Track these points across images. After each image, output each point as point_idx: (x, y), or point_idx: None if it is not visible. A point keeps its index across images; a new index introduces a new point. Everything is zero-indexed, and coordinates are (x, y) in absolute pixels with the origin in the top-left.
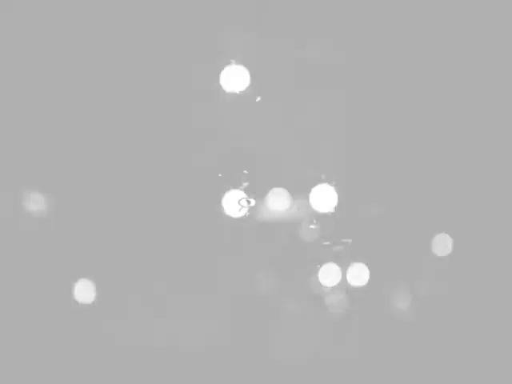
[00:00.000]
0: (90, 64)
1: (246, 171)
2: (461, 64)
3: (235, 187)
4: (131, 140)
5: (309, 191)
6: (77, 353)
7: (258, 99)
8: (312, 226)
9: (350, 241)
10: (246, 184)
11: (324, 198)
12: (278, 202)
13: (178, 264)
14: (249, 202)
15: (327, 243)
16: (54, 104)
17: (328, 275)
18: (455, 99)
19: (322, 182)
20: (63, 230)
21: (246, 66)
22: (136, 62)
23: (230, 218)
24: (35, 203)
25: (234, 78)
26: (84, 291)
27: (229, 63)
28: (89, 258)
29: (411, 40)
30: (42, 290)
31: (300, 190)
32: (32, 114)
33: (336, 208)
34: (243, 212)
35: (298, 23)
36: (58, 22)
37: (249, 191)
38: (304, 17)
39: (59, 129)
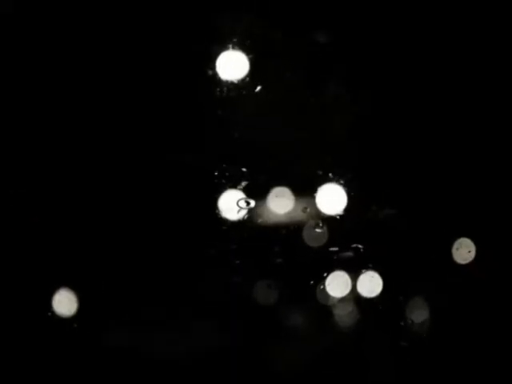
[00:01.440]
0: (81, 57)
1: (244, 169)
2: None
3: (233, 187)
4: (120, 136)
5: (315, 191)
6: (59, 365)
7: (258, 89)
8: (318, 230)
9: (360, 247)
10: (244, 183)
11: (331, 198)
12: (281, 203)
13: (172, 269)
14: (248, 203)
15: (335, 249)
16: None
17: (336, 285)
18: (476, 99)
19: (329, 181)
20: (45, 234)
21: (245, 51)
22: (127, 51)
23: (227, 220)
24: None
25: (232, 65)
26: (64, 302)
27: (226, 49)
28: (71, 265)
29: (417, 32)
30: (19, 298)
31: (305, 190)
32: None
33: (345, 210)
34: (242, 214)
35: (301, 8)
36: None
37: (248, 191)
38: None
39: (43, 127)
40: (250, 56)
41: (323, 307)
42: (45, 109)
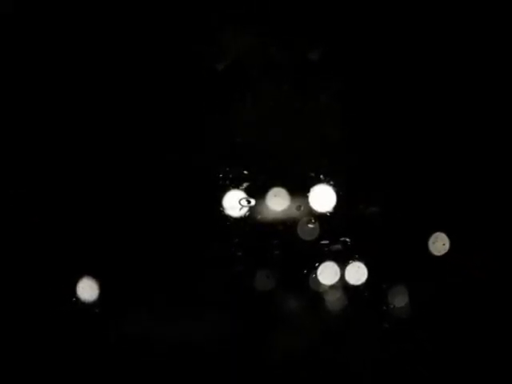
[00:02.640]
0: (81, 57)
1: (245, 171)
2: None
3: (235, 187)
4: (127, 138)
5: (308, 191)
6: (76, 354)
7: (258, 95)
8: (311, 226)
9: (348, 240)
10: (246, 184)
11: (322, 197)
12: (278, 201)
13: (177, 264)
14: (249, 202)
15: (325, 242)
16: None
17: (326, 274)
18: (453, 98)
19: (320, 182)
20: (45, 236)
21: (243, 62)
22: (132, 59)
23: (230, 217)
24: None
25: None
26: (86, 290)
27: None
28: (71, 265)
29: (412, 38)
30: (42, 288)
31: (299, 190)
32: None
33: (334, 207)
34: (243, 211)
35: (299, 21)
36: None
37: (249, 191)
38: (305, 14)
39: (43, 127)
40: (251, 62)
41: (315, 294)
42: (45, 109)
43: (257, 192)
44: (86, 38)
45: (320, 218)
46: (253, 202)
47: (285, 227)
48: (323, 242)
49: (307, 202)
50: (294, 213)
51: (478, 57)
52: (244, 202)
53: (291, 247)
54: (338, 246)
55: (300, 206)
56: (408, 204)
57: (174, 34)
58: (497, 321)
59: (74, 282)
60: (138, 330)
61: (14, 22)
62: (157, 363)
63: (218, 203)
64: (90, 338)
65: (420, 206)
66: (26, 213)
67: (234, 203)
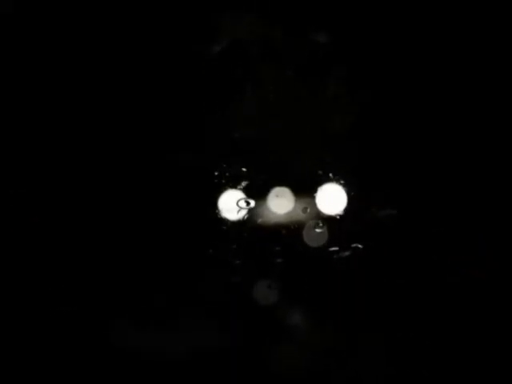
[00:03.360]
0: (81, 56)
1: (244, 169)
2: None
3: (233, 187)
4: (120, 136)
5: (315, 191)
6: (76, 354)
7: (258, 89)
8: (318, 230)
9: (360, 246)
10: (244, 183)
11: (331, 198)
12: (281, 203)
13: (172, 269)
14: (248, 203)
15: (335, 249)
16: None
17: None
18: (465, 99)
19: (329, 180)
20: (46, 234)
21: (246, 51)
22: (127, 52)
23: (227, 220)
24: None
25: (232, 65)
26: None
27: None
28: (72, 265)
29: (415, 31)
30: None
31: (305, 190)
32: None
33: (345, 209)
34: (242, 214)
35: (301, 7)
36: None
37: (248, 191)
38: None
39: (43, 127)
40: (251, 55)
41: (322, 304)
42: (45, 109)
43: (257, 192)
44: (86, 37)
45: (328, 221)
46: (252, 203)
47: (288, 232)
48: (332, 249)
49: (314, 204)
50: (299, 216)
51: (488, 43)
52: (243, 204)
53: (296, 254)
54: (349, 253)
55: (306, 208)
56: (426, 205)
57: (171, 25)
58: (497, 321)
59: (73, 282)
60: (136, 334)
61: (14, 22)
62: (155, 365)
63: (214, 205)
64: (89, 338)
65: (438, 208)
66: (26, 213)
67: (232, 205)
